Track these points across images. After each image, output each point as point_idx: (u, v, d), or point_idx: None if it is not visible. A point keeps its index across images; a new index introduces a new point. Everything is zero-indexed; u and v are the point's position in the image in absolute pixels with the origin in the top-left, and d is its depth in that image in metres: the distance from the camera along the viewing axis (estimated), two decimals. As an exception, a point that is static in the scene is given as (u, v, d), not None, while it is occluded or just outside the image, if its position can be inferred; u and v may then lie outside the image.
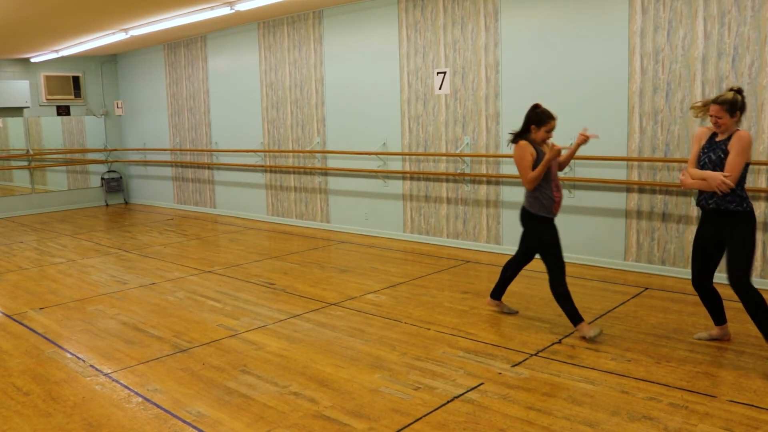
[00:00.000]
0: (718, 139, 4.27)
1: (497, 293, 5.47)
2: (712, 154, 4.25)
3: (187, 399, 3.90)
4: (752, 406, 3.64)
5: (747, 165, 4.17)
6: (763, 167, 5.93)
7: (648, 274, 6.59)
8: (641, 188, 6.68)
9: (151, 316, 5.63)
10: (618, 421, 3.49)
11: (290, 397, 3.89)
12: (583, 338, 4.71)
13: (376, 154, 8.92)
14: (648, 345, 4.62)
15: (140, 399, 3.92)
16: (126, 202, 14.18)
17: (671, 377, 4.05)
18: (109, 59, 13.74)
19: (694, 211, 6.35)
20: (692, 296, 5.78)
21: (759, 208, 5.98)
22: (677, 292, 5.96)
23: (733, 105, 4.15)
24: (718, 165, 4.19)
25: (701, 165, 4.30)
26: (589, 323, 4.97)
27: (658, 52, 6.40)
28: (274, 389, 4.02)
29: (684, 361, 4.29)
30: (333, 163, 9.71)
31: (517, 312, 5.43)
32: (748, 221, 4.20)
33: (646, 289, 6.09)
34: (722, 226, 4.27)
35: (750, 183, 6.01)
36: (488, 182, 7.91)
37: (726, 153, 4.17)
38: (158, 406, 3.80)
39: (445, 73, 8.10)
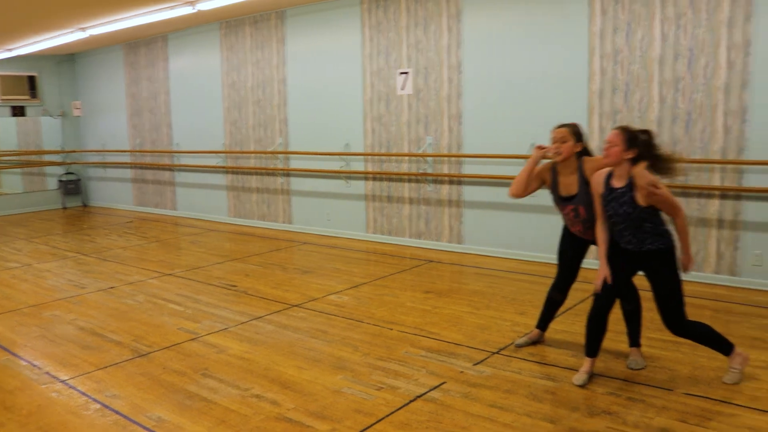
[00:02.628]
0: (617, 185, 3.80)
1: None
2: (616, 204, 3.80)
3: (146, 404, 3.85)
4: (706, 398, 3.72)
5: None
6: (717, 166, 6.06)
7: (607, 272, 6.69)
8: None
9: (110, 320, 5.54)
10: (578, 417, 3.54)
11: (252, 400, 3.86)
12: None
13: (339, 154, 8.91)
14: (608, 341, 4.66)
15: (98, 405, 3.85)
16: (84, 205, 13.93)
17: (629, 372, 4.12)
18: (67, 59, 13.48)
19: (652, 210, 6.47)
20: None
21: (713, 206, 6.12)
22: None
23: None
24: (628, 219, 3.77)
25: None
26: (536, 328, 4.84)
27: (617, 53, 6.50)
28: (235, 392, 3.98)
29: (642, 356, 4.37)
30: (295, 163, 9.67)
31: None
32: (671, 258, 3.83)
33: (606, 286, 6.18)
34: (641, 263, 3.90)
35: (704, 181, 6.15)
36: (450, 182, 7.96)
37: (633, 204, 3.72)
38: (117, 412, 3.74)
39: (407, 73, 8.12)
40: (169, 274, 7.16)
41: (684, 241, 3.85)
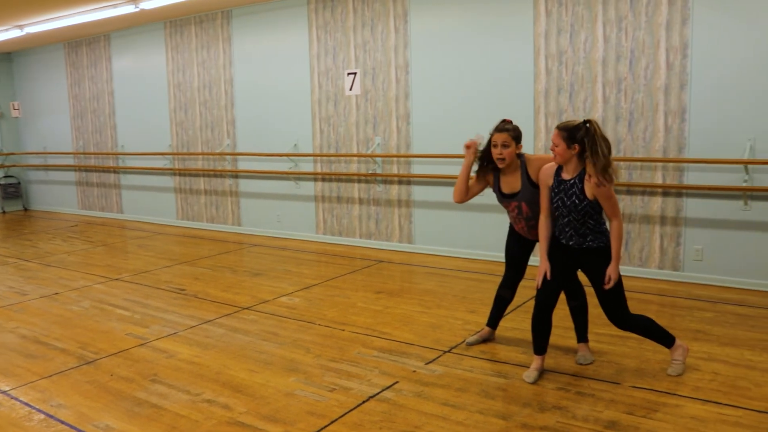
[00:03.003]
0: (566, 177, 3.88)
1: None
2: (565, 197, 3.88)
3: (93, 413, 3.76)
4: (652, 390, 3.83)
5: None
6: (659, 164, 6.23)
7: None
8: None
9: (54, 327, 5.40)
10: (529, 412, 3.59)
11: (203, 405, 3.81)
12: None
13: (288, 155, 8.86)
14: (557, 337, 4.77)
15: (42, 416, 3.75)
16: (25, 209, 13.53)
17: (578, 367, 4.21)
18: (4, 57, 13.07)
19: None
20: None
21: (655, 203, 6.29)
22: (586, 285, 6.18)
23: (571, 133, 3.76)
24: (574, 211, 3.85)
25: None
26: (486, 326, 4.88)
27: (561, 53, 6.63)
28: (186, 398, 3.93)
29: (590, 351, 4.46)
30: (244, 165, 9.58)
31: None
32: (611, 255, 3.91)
33: (554, 283, 6.30)
34: (582, 261, 3.99)
35: (647, 179, 6.32)
36: (399, 182, 7.99)
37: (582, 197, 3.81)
38: (62, 422, 3.65)
39: (355, 74, 8.13)
40: (116, 279, 7.01)
41: (615, 248, 3.87)
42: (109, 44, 11.16)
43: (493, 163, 4.27)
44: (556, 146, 3.78)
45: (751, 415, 3.49)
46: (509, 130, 4.17)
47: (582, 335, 4.38)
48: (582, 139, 3.69)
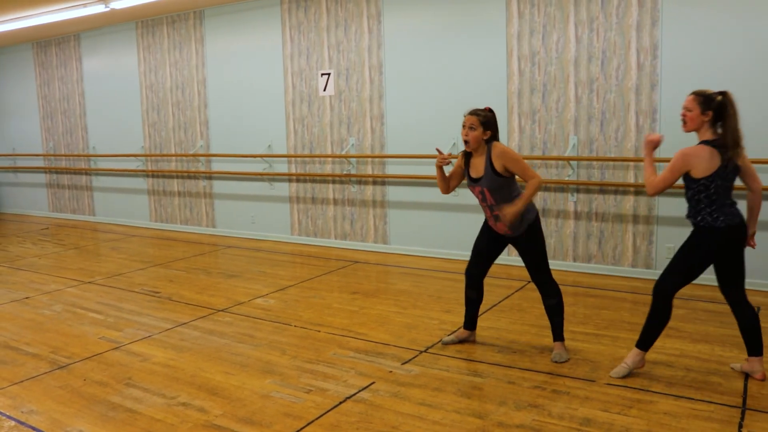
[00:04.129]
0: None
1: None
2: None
3: (66, 418, 3.71)
4: (626, 387, 3.87)
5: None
6: (631, 163, 6.30)
7: (529, 268, 6.87)
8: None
9: (25, 332, 5.31)
10: (505, 411, 3.61)
11: (179, 408, 3.78)
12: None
13: (262, 156, 8.82)
14: (532, 336, 4.82)
15: (13, 423, 3.69)
16: (-6, 212, 13.32)
17: (554, 365, 4.24)
18: (-29, 59, 12.86)
19: (571, 206, 6.68)
20: (572, 287, 6.09)
21: (628, 202, 6.37)
22: (563, 284, 6.23)
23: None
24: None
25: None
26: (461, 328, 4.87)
27: (534, 54, 6.68)
28: (161, 401, 3.89)
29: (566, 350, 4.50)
30: (217, 166, 9.51)
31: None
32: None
33: (529, 282, 6.34)
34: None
35: (619, 178, 6.39)
36: (374, 183, 8.00)
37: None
38: (34, 429, 3.59)
39: (329, 74, 8.11)
40: (89, 282, 6.92)
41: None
42: (80, 44, 11.02)
43: None
44: (690, 111, 3.75)
45: (722, 410, 3.55)
46: (479, 115, 4.27)
47: (558, 334, 4.42)
48: (717, 107, 3.67)
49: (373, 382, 4.06)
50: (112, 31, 10.44)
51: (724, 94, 3.69)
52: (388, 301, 5.90)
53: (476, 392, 3.90)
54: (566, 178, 6.64)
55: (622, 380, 3.96)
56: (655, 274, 6.26)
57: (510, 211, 4.15)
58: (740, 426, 3.37)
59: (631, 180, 6.34)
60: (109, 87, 10.70)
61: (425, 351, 4.59)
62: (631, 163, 6.30)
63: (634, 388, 3.85)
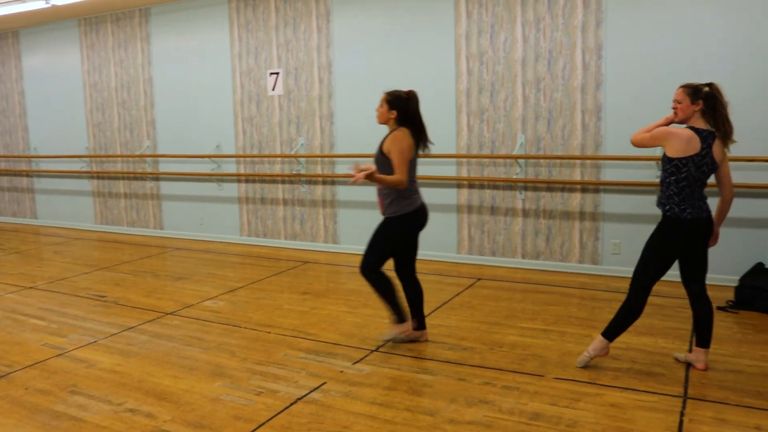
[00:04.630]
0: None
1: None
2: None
3: (6, 430, 3.59)
4: (574, 380, 3.94)
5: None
6: (577, 161, 6.42)
7: (480, 266, 6.94)
8: (471, 184, 7.02)
9: (-36, 339, 5.14)
10: (456, 408, 3.64)
11: (126, 415, 3.70)
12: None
13: (210, 156, 8.70)
14: (482, 333, 4.86)
15: (-48, 432, 3.57)
16: (-70, 216, 12.83)
17: (504, 361, 4.29)
18: None
19: (519, 204, 6.77)
20: (521, 284, 6.17)
21: (575, 199, 6.48)
22: (507, 281, 6.32)
23: None
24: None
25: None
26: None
27: (482, 54, 6.74)
28: (107, 408, 3.80)
29: (515, 346, 4.56)
30: (165, 167, 9.35)
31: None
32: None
33: (479, 279, 6.40)
34: None
35: (566, 176, 6.50)
36: (324, 182, 7.97)
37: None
38: (-26, 438, 3.48)
39: (278, 73, 8.05)
40: (31, 287, 6.73)
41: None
42: (18, 41, 10.70)
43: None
44: (679, 103, 3.82)
45: (666, 400, 3.64)
46: (387, 93, 4.51)
47: (420, 323, 4.67)
48: (706, 97, 3.75)
49: (324, 383, 4.05)
50: (54, 29, 10.16)
51: (710, 85, 3.78)
52: (338, 300, 5.88)
53: (427, 390, 3.91)
54: (514, 176, 6.72)
55: (569, 374, 4.03)
56: (602, 269, 6.42)
57: (372, 169, 4.13)
58: (682, 414, 3.47)
59: (577, 177, 6.45)
60: (51, 86, 10.42)
61: (376, 350, 4.59)
62: (578, 161, 6.41)
63: (582, 382, 3.92)
